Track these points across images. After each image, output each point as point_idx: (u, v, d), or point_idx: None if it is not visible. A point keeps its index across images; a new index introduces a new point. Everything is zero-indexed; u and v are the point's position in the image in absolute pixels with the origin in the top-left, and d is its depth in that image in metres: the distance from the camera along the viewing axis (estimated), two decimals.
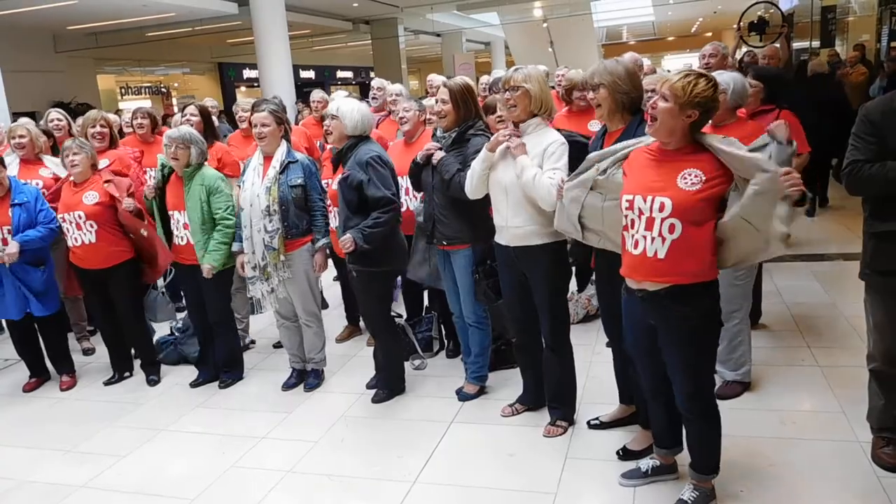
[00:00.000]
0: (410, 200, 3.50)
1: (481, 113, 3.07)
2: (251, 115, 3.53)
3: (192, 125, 3.97)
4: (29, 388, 3.79)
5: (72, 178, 3.57)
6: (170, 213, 3.50)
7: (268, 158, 3.30)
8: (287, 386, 3.52)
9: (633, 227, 2.11)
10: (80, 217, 3.49)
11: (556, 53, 15.64)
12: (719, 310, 2.15)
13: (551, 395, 2.87)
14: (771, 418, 2.78)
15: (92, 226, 3.50)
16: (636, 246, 2.09)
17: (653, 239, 2.05)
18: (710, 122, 2.10)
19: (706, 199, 2.01)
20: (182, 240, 3.48)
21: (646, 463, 2.45)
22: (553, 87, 5.01)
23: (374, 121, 3.78)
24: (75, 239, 3.54)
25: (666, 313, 2.10)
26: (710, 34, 22.36)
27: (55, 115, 4.45)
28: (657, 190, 2.04)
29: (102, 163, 3.99)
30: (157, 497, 2.65)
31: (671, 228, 2.02)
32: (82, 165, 3.51)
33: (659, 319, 2.13)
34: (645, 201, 2.05)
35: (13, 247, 3.43)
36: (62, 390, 3.75)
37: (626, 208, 2.12)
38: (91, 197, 3.51)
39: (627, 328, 2.31)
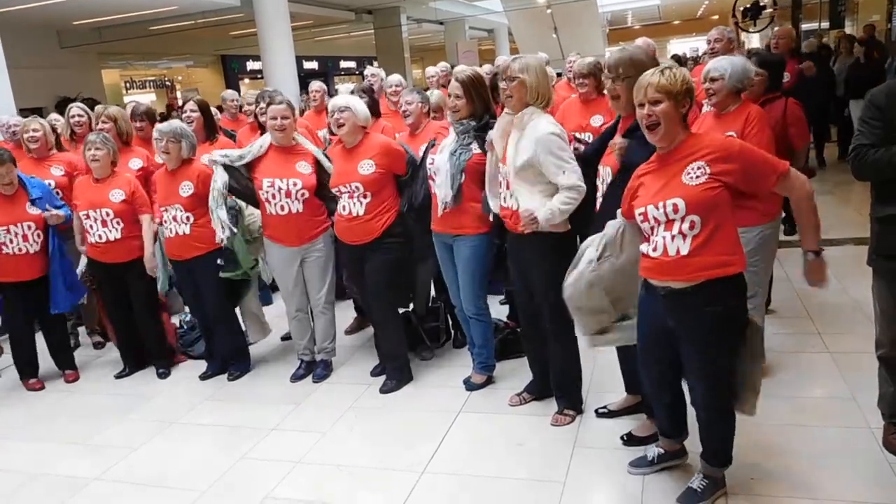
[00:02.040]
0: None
1: (492, 107, 3.02)
2: (267, 107, 3.41)
3: (191, 122, 3.95)
4: (38, 388, 3.76)
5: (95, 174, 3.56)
6: (161, 207, 3.48)
7: (286, 150, 3.30)
8: (296, 377, 3.53)
9: (653, 233, 2.06)
10: (107, 214, 3.49)
11: (560, 39, 15.46)
12: (746, 309, 2.09)
13: (556, 383, 2.87)
14: (781, 405, 2.76)
15: (118, 223, 3.51)
16: (655, 249, 2.03)
17: (673, 237, 1.98)
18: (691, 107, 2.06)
19: (717, 187, 1.95)
20: (171, 232, 3.46)
21: (652, 451, 2.44)
22: (560, 75, 4.93)
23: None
24: (99, 236, 3.53)
25: (689, 313, 2.03)
26: (716, 17, 22.04)
27: (76, 111, 4.29)
28: (666, 194, 1.99)
29: (135, 163, 3.97)
30: (168, 489, 2.67)
31: (692, 225, 1.96)
32: (103, 161, 3.50)
33: (681, 318, 2.06)
34: (657, 209, 2.00)
35: (60, 212, 3.56)
36: (67, 382, 3.78)
37: (642, 221, 2.07)
38: (118, 195, 3.51)
39: (641, 325, 2.26)
